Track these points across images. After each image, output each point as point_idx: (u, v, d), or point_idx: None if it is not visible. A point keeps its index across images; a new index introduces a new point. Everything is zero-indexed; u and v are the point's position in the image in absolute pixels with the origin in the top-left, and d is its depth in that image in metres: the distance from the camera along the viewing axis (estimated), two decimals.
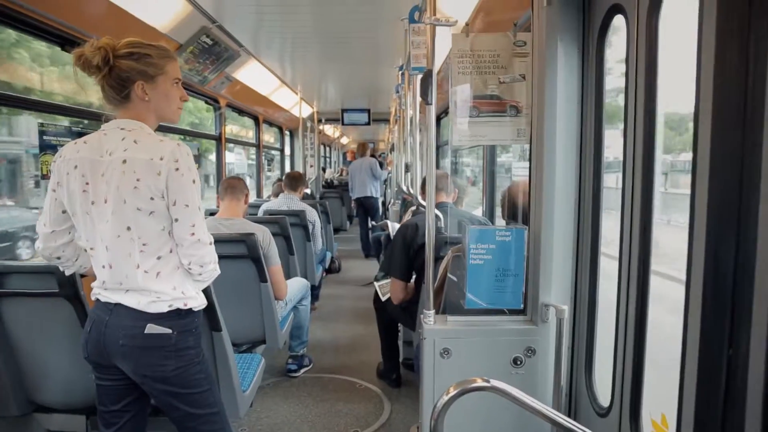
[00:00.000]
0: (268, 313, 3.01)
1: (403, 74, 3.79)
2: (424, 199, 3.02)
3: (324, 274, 5.69)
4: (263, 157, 7.82)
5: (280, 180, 6.24)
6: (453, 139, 1.98)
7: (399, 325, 3.61)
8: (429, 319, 1.96)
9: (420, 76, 2.44)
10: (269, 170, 7.82)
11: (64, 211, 1.70)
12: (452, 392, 1.34)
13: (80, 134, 2.92)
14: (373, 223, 7.11)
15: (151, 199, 1.58)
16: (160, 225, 1.62)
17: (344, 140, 17.61)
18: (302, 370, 3.72)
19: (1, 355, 2.23)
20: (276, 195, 5.50)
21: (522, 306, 1.94)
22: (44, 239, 1.74)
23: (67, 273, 1.89)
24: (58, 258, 1.79)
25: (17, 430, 2.41)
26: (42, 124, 2.75)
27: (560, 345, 1.82)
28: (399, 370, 3.56)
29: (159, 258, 1.64)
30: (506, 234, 1.88)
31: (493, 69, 1.95)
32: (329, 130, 12.61)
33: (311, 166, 8.52)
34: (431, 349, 1.92)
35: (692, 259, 1.15)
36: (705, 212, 1.06)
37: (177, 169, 1.58)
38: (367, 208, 7.98)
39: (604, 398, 1.88)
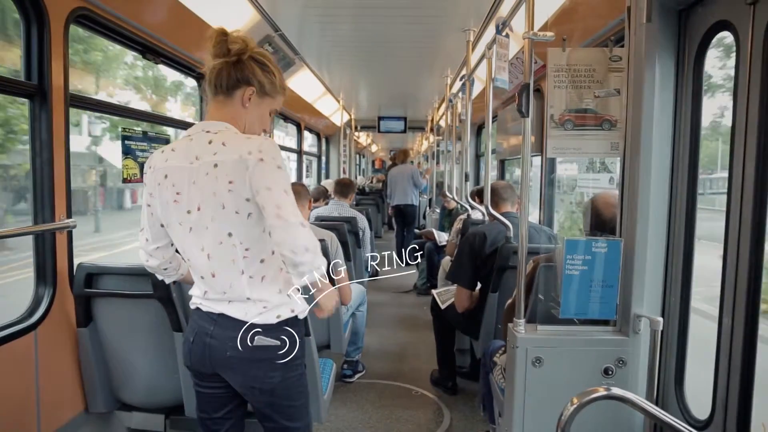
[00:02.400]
0: (335, 319, 3.06)
1: (463, 84, 3.83)
2: (494, 208, 3.06)
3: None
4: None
5: (319, 186, 6.30)
6: (547, 150, 2.01)
7: (455, 332, 3.63)
8: (520, 328, 1.98)
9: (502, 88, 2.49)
10: (307, 176, 7.90)
11: (162, 225, 1.67)
12: (576, 402, 1.36)
13: (156, 139, 3.01)
14: (416, 230, 7.11)
15: (247, 200, 1.53)
16: (260, 227, 1.57)
17: (374, 148, 17.72)
18: (357, 376, 3.77)
19: (94, 353, 2.31)
20: (317, 200, 5.55)
21: (615, 317, 1.96)
22: (150, 253, 1.73)
23: (168, 281, 1.88)
24: (165, 269, 1.78)
25: (101, 426, 2.47)
26: (124, 129, 2.84)
27: (654, 356, 1.83)
28: (455, 378, 3.58)
29: (262, 261, 1.60)
30: (602, 245, 1.91)
31: (589, 83, 1.98)
32: (362, 137, 12.71)
33: (345, 172, 8.60)
34: (523, 357, 1.95)
35: None
36: None
37: (261, 160, 1.52)
38: (406, 215, 7.92)
39: (696, 410, 1.89)
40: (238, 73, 1.61)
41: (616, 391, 1.37)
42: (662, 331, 1.99)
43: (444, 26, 3.88)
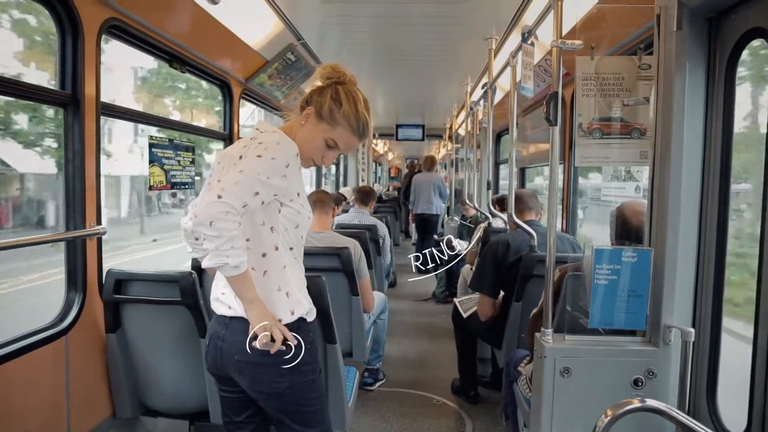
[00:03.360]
0: (358, 326, 3.06)
1: (485, 92, 3.83)
2: (518, 216, 3.05)
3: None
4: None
5: (333, 194, 6.32)
6: (576, 159, 2.00)
7: (477, 341, 3.61)
8: (548, 337, 1.97)
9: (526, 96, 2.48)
10: (325, 184, 7.93)
11: None
12: (610, 414, 1.35)
13: (180, 147, 3.05)
14: (435, 237, 7.08)
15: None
16: (259, 219, 1.60)
17: (390, 156, 17.77)
18: (377, 384, 3.76)
19: (122, 359, 2.33)
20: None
21: (644, 327, 1.94)
22: (191, 216, 1.77)
23: (193, 255, 1.96)
24: (196, 239, 1.81)
25: (127, 431, 2.50)
26: (151, 137, 2.88)
27: (686, 368, 1.80)
28: (477, 387, 3.56)
29: (264, 255, 1.62)
30: (632, 255, 1.89)
31: (618, 92, 1.97)
32: (379, 145, 12.74)
33: (362, 180, 8.63)
34: (551, 367, 1.93)
35: None
36: None
37: (254, 143, 1.59)
38: (428, 224, 7.83)
39: (729, 423, 1.86)
40: (313, 94, 1.70)
41: (651, 402, 1.36)
42: (694, 342, 1.98)
43: (464, 34, 3.89)
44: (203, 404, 2.33)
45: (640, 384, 1.92)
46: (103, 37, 2.30)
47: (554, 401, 1.94)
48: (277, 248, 1.63)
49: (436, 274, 6.39)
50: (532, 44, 2.44)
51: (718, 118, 1.89)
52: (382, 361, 3.90)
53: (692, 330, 1.79)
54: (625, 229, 2.23)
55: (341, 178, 9.21)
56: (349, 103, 1.68)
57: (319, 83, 1.70)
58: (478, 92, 4.59)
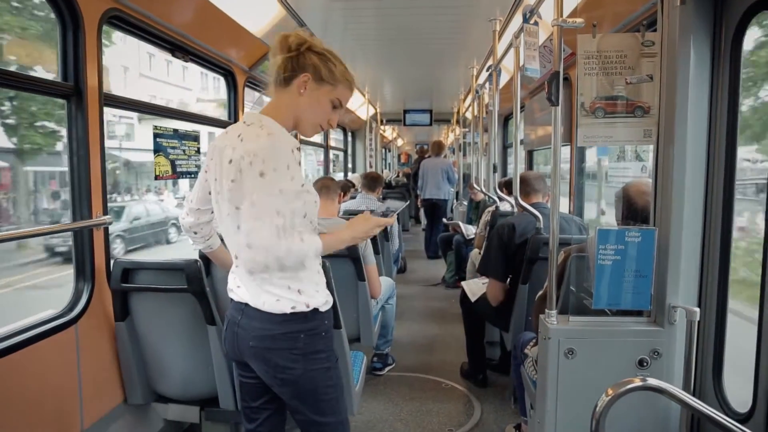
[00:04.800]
0: (365, 312, 3.08)
1: (490, 75, 3.79)
2: (524, 199, 3.03)
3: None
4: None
5: (341, 180, 6.32)
6: (578, 139, 1.98)
7: (485, 325, 3.61)
8: (552, 319, 1.96)
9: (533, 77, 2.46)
10: (334, 171, 7.94)
11: (210, 193, 1.72)
12: (611, 393, 1.35)
13: (186, 137, 3.06)
14: (444, 220, 7.07)
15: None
16: None
17: (399, 142, 17.70)
18: (386, 369, 3.78)
19: (131, 347, 2.37)
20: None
21: (649, 307, 1.93)
22: (189, 212, 1.81)
23: (194, 248, 1.95)
24: (195, 233, 1.84)
25: (139, 417, 2.54)
26: (156, 127, 2.89)
27: (691, 348, 1.80)
28: (485, 371, 3.57)
29: None
30: (636, 235, 1.88)
31: (620, 69, 1.94)
32: (387, 131, 12.71)
33: (371, 166, 8.61)
34: (555, 349, 1.93)
35: None
36: None
37: (251, 163, 1.52)
38: (436, 209, 7.81)
39: (735, 403, 1.85)
40: (295, 63, 1.63)
41: (653, 381, 1.35)
42: (699, 322, 1.96)
43: (469, 16, 3.85)
44: (213, 390, 2.36)
45: (645, 364, 1.92)
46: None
47: (559, 383, 1.94)
48: None
49: (445, 259, 6.39)
50: (536, 24, 2.41)
51: (723, 94, 1.86)
52: (391, 346, 3.92)
53: (697, 309, 1.78)
54: (631, 210, 2.21)
55: (350, 165, 9.20)
56: (338, 60, 1.68)
57: (284, 54, 1.63)
58: (485, 75, 4.55)
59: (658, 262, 1.92)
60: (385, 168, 14.96)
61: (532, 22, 2.37)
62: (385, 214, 1.79)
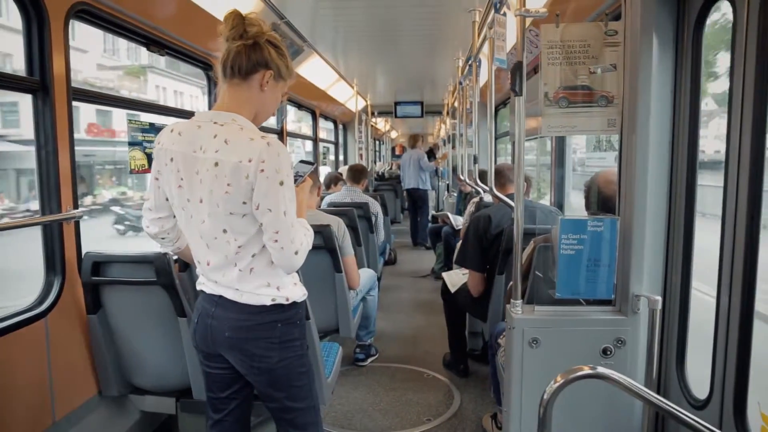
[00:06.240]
0: (342, 303, 3.09)
1: (470, 66, 3.78)
2: (498, 191, 3.04)
3: (383, 266, 5.75)
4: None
5: (332, 172, 6.33)
6: (542, 129, 1.98)
7: (466, 315, 3.63)
8: (517, 308, 1.97)
9: (501, 68, 2.45)
10: (324, 163, 7.94)
11: (167, 198, 1.70)
12: (560, 381, 1.35)
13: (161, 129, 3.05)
14: (433, 212, 7.16)
15: (244, 203, 1.56)
16: (255, 225, 1.59)
17: (393, 134, 17.67)
18: (369, 360, 3.80)
19: (104, 340, 2.38)
20: (328, 187, 5.58)
21: (612, 296, 1.94)
22: (151, 222, 1.77)
23: (164, 250, 1.94)
24: (163, 238, 1.81)
25: (115, 410, 2.56)
26: (130, 120, 2.88)
27: (653, 336, 1.80)
28: (466, 361, 3.58)
29: (253, 256, 1.63)
30: (598, 224, 1.88)
31: (584, 59, 1.94)
32: (380, 123, 12.68)
33: (362, 159, 8.60)
34: (520, 338, 1.94)
35: None
36: None
37: (262, 171, 1.52)
38: (416, 199, 8.19)
39: (697, 391, 1.86)
40: (257, 56, 1.59)
41: (602, 370, 1.36)
42: (664, 311, 1.97)
43: (451, 8, 3.83)
44: (188, 382, 2.37)
45: (609, 353, 1.93)
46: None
47: (523, 372, 1.95)
48: (265, 246, 1.62)
49: (434, 250, 6.41)
50: (504, 14, 2.40)
51: (686, 83, 1.86)
52: (375, 336, 3.94)
53: (659, 298, 1.79)
54: (598, 199, 2.22)
55: (341, 158, 9.19)
56: (287, 54, 1.67)
57: (241, 40, 1.57)
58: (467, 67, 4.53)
59: (622, 251, 1.92)
60: (379, 160, 14.95)
61: (501, 12, 2.37)
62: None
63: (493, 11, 2.48)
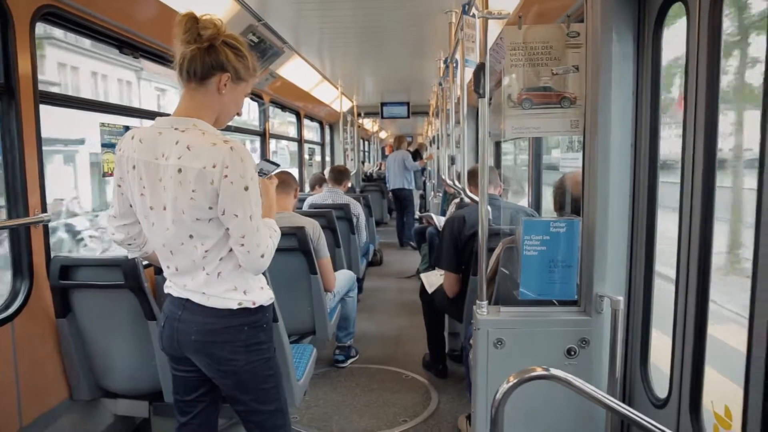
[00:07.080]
0: (318, 305, 3.09)
1: (447, 67, 3.79)
2: (471, 192, 3.04)
3: (366, 267, 5.75)
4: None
5: (318, 173, 6.32)
6: (506, 131, 1.99)
7: (444, 316, 3.63)
8: (482, 309, 1.98)
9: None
10: (309, 165, 7.93)
11: (131, 205, 1.69)
12: (512, 381, 1.36)
13: None
14: (419, 213, 7.20)
15: (210, 208, 1.55)
16: (221, 229, 1.60)
17: (383, 134, 17.66)
18: (349, 361, 3.80)
19: (74, 343, 2.37)
20: (313, 188, 5.58)
21: (575, 297, 1.95)
22: (116, 230, 1.76)
23: (131, 256, 1.96)
24: (129, 244, 1.80)
25: (87, 414, 2.55)
26: (103, 124, 2.87)
27: (616, 336, 1.81)
28: (445, 361, 3.59)
29: (221, 259, 1.63)
30: (560, 225, 1.89)
31: (546, 61, 1.95)
32: (368, 124, 12.67)
33: (350, 159, 8.60)
34: (485, 339, 1.95)
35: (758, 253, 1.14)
36: None
37: (226, 176, 1.51)
38: (401, 199, 8.27)
39: (659, 390, 1.87)
40: (213, 59, 1.56)
41: (554, 371, 1.36)
42: (628, 310, 1.99)
43: (430, 8, 3.84)
44: (158, 385, 2.36)
45: (573, 353, 1.94)
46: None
47: (488, 373, 1.96)
48: (231, 250, 1.62)
49: (420, 251, 6.41)
50: (474, 16, 2.41)
51: (647, 84, 1.87)
52: (356, 337, 3.94)
53: (620, 298, 1.80)
54: (566, 200, 2.23)
55: (327, 159, 9.18)
56: (247, 50, 1.64)
57: (195, 44, 1.55)
58: (444, 67, 4.54)
59: (586, 251, 1.94)
60: (367, 161, 14.94)
61: (471, 14, 2.37)
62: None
63: (461, 13, 2.49)
